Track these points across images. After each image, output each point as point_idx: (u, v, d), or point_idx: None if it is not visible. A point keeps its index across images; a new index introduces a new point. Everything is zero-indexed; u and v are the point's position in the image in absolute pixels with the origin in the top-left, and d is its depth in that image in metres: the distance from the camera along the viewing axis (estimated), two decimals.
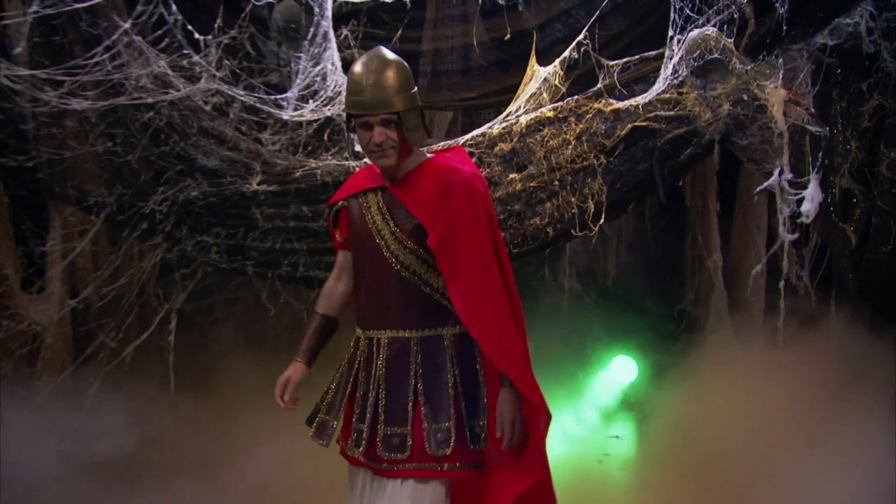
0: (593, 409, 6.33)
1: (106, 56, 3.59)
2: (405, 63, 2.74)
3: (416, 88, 2.75)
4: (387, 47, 2.70)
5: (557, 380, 6.28)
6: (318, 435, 2.88)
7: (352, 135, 2.88)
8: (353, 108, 2.70)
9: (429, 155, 2.91)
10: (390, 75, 2.67)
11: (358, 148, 4.01)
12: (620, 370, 6.62)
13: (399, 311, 2.83)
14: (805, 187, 3.69)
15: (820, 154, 3.72)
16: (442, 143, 3.79)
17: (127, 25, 3.32)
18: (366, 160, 3.81)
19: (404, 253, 2.78)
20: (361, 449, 2.81)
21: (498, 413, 2.81)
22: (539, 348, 6.68)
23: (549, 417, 2.91)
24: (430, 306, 2.83)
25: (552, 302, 7.33)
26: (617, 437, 5.79)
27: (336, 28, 4.20)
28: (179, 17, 3.41)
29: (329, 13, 3.39)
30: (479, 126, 5.44)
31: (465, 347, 2.84)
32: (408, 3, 3.40)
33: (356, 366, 2.88)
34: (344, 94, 2.95)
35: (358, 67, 2.68)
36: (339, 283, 3.03)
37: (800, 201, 3.65)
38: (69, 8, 3.11)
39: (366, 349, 2.85)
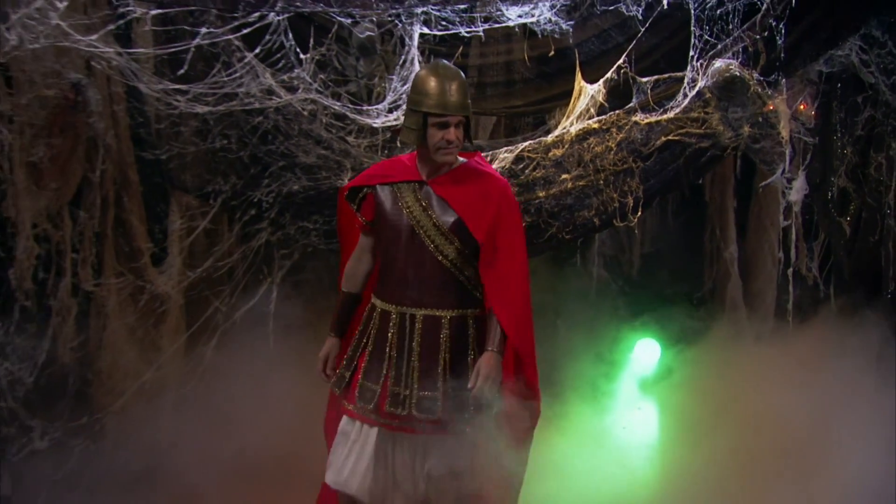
0: (619, 385, 6.57)
1: (225, 76, 4.22)
2: (463, 76, 3.12)
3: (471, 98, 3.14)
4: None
5: (586, 359, 6.70)
6: (361, 398, 3.19)
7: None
8: (437, 109, 3.02)
9: (461, 159, 3.22)
10: (464, 84, 3.08)
11: None
12: (644, 351, 6.86)
13: (435, 293, 3.16)
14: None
15: (809, 156, 4.38)
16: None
17: (251, 56, 3.91)
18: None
19: (445, 244, 3.11)
20: (399, 410, 3.13)
21: (477, 366, 3.09)
22: (570, 330, 7.29)
23: (537, 412, 3.25)
24: (461, 291, 3.18)
25: (582, 288, 7.57)
26: (639, 408, 6.15)
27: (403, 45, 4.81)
28: (293, 42, 4.02)
29: (416, 42, 4.00)
30: (520, 129, 6.03)
31: (482, 327, 3.18)
32: (482, 36, 3.96)
33: (390, 338, 3.19)
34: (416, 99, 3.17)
35: (435, 74, 3.06)
36: (360, 264, 3.37)
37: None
38: (225, 38, 3.76)
39: (398, 323, 3.18)
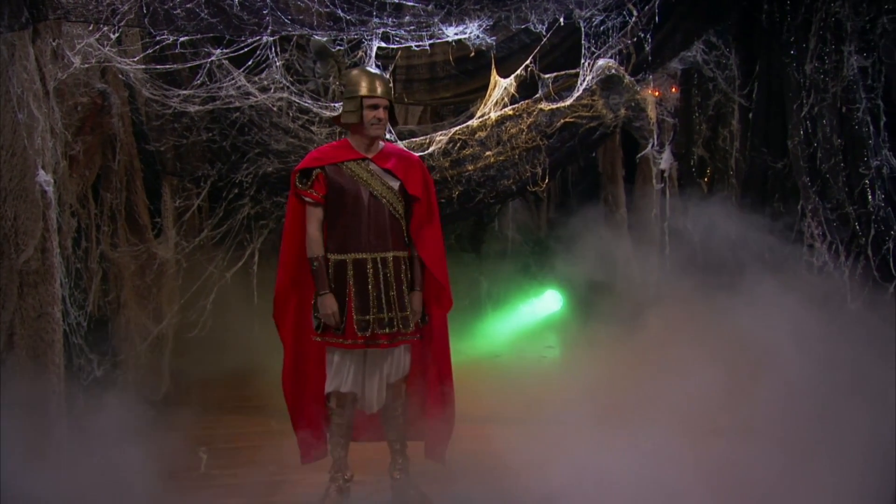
0: (532, 328, 7.77)
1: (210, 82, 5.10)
2: None
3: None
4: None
5: (504, 307, 7.92)
6: (360, 329, 3.99)
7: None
8: (370, 94, 3.98)
9: (381, 143, 4.13)
10: (386, 79, 4.13)
11: None
12: (550, 300, 8.05)
13: (393, 239, 4.05)
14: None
15: (672, 133, 5.61)
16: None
17: (239, 73, 4.83)
18: None
19: (396, 202, 4.05)
20: (385, 330, 4.00)
21: (410, 303, 4.08)
22: (491, 283, 8.31)
23: (450, 303, 4.21)
24: (405, 236, 4.11)
25: (499, 248, 8.73)
26: (550, 346, 7.28)
27: (355, 49, 5.51)
28: (278, 56, 4.95)
29: (374, 53, 4.93)
30: (444, 116, 7.05)
31: (414, 264, 4.15)
32: (428, 48, 4.94)
33: (369, 278, 4.01)
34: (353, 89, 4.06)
35: (364, 72, 4.06)
36: (320, 232, 4.07)
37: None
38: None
39: (372, 266, 4.03)
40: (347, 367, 4.14)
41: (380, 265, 4.09)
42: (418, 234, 4.14)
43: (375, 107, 4.04)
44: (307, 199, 4.09)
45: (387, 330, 4.07)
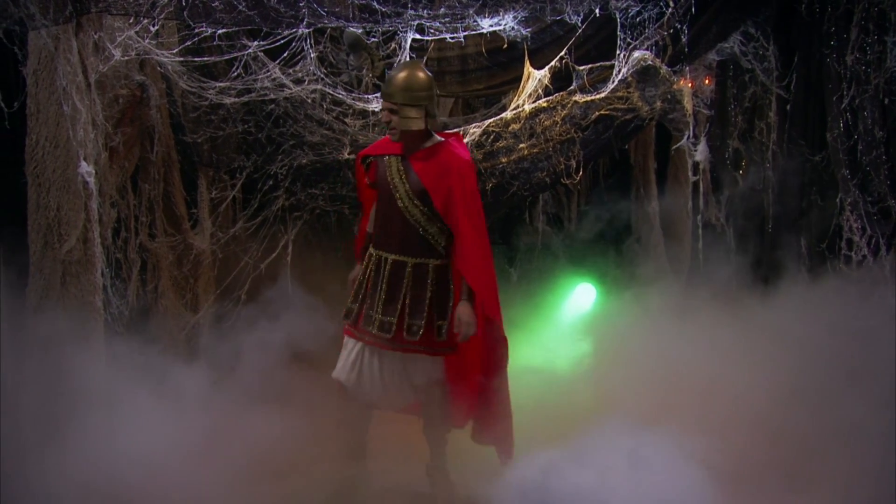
0: (563, 323, 7.55)
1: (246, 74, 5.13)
2: (420, 73, 3.77)
3: (421, 92, 3.75)
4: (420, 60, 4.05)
5: (534, 302, 7.62)
6: (366, 323, 3.93)
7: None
8: (383, 96, 3.90)
9: (440, 138, 3.89)
10: (400, 77, 3.86)
11: None
12: (583, 294, 7.77)
13: (401, 243, 3.87)
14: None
15: (708, 124, 5.57)
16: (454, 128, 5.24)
17: (274, 66, 4.86)
18: None
19: (412, 206, 3.92)
20: (389, 335, 3.84)
21: (456, 316, 3.77)
22: (520, 278, 8.28)
23: (505, 342, 3.90)
24: (423, 244, 3.89)
25: (529, 241, 8.47)
26: (581, 339, 7.00)
27: (389, 41, 5.48)
28: (312, 49, 4.97)
29: (408, 45, 4.96)
30: (475, 108, 7.06)
31: (442, 274, 3.91)
32: (462, 40, 5.00)
33: (376, 277, 3.94)
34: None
35: (395, 69, 3.97)
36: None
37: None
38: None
39: (376, 264, 3.96)
40: (353, 358, 4.06)
41: (381, 265, 4.01)
42: (457, 252, 3.86)
43: (385, 109, 3.95)
44: (367, 180, 4.12)
45: (386, 334, 3.92)
